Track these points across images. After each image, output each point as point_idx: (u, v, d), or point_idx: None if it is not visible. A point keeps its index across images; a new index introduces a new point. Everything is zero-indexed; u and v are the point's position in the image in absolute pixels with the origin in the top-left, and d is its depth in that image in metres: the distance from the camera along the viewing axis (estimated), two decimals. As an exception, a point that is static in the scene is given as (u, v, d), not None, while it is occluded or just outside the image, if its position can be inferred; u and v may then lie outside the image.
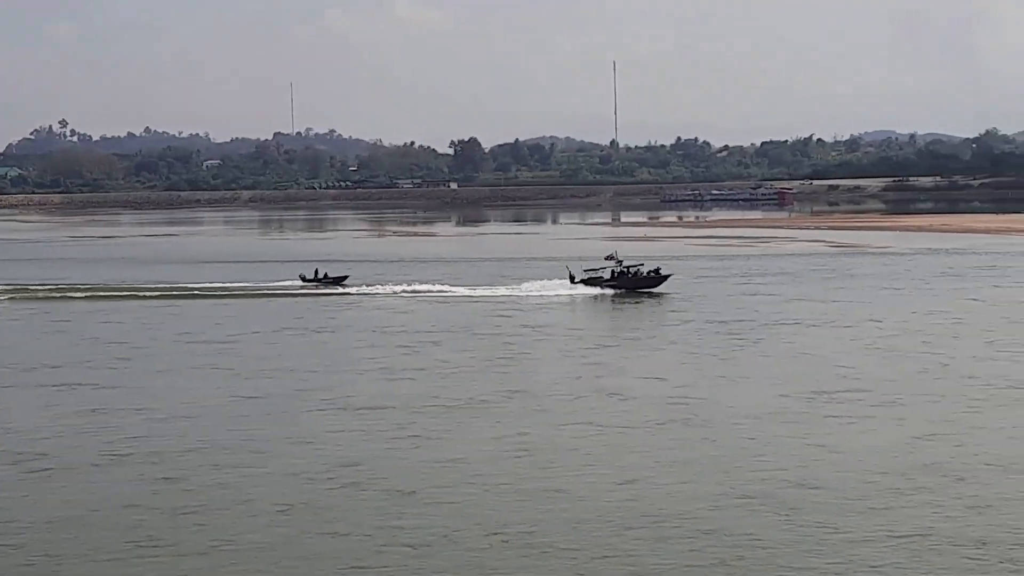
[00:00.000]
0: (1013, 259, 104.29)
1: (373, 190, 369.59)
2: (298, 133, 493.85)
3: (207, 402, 46.05)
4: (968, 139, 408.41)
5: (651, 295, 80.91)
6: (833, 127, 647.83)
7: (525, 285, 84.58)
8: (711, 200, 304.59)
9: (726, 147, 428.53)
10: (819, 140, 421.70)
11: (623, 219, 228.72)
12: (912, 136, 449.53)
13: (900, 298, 77.18)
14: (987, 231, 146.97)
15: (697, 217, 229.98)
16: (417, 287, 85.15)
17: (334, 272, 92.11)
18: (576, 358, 55.15)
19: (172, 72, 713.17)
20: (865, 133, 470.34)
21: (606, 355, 56.41)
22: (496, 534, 29.75)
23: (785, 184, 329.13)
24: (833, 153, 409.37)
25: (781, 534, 29.21)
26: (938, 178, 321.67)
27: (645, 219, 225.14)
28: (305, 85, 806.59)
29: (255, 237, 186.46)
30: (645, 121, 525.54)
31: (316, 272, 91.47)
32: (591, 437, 39.39)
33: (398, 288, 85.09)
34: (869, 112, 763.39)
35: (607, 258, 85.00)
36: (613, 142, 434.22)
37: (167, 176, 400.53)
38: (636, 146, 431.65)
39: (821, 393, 45.65)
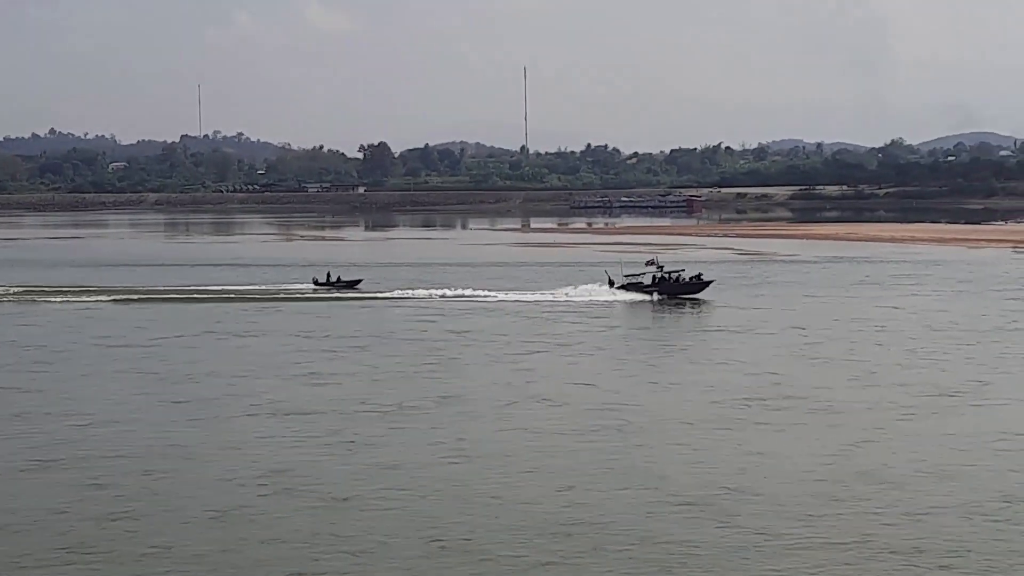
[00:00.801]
0: (928, 268, 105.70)
1: (281, 194, 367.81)
2: (205, 136, 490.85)
3: (133, 407, 45.38)
4: (874, 149, 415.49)
5: (692, 301, 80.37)
6: (741, 135, 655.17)
7: (564, 290, 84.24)
8: (620, 207, 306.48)
9: (636, 154, 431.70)
10: (727, 148, 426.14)
11: (533, 225, 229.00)
12: (819, 145, 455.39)
13: (821, 306, 77.92)
14: (892, 240, 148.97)
15: (606, 223, 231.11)
16: (455, 292, 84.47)
17: (347, 275, 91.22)
18: (507, 363, 54.88)
19: (78, 73, 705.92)
20: (773, 142, 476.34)
21: (539, 361, 56.10)
22: (435, 541, 29.54)
23: (694, 191, 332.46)
24: (741, 161, 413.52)
25: (720, 541, 29.27)
26: (844, 187, 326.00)
27: (555, 225, 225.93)
28: (213, 87, 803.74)
29: (161, 240, 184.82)
30: (555, 127, 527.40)
31: (328, 275, 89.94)
32: (527, 443, 39.26)
33: (436, 292, 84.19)
34: (777, 121, 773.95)
35: (647, 263, 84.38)
36: (523, 148, 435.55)
37: (72, 178, 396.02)
38: (546, 152, 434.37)
39: (753, 400, 45.86)
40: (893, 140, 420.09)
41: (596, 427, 41.53)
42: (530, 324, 69.37)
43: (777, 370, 52.55)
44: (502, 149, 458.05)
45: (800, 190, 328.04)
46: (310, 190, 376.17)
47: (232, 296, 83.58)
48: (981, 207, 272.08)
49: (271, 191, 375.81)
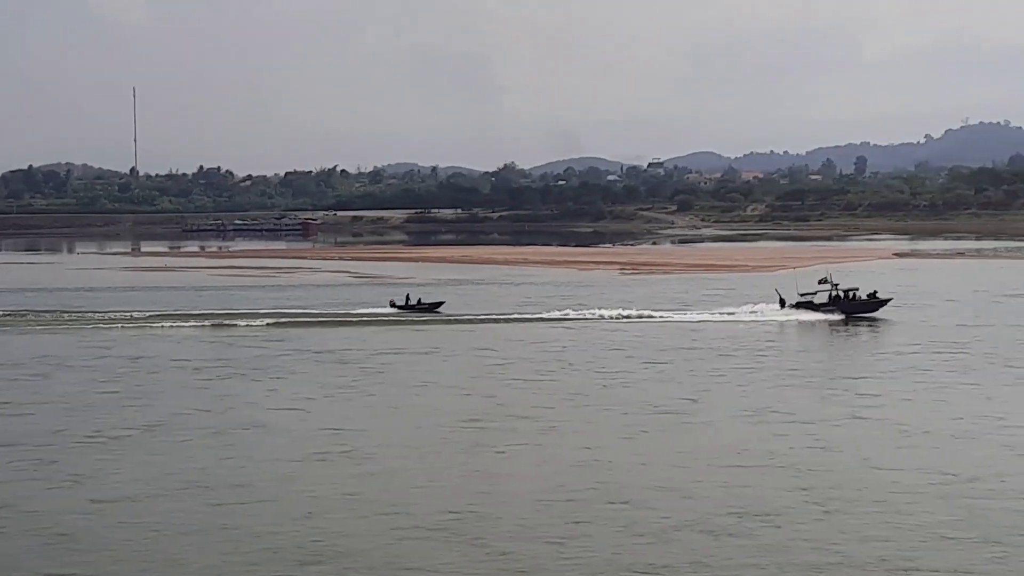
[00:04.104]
0: (574, 289, 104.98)
1: None
2: None
3: None
4: (487, 173, 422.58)
5: (869, 320, 77.95)
6: (357, 159, 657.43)
7: (733, 309, 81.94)
8: (234, 230, 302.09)
9: (250, 177, 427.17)
10: (343, 171, 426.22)
11: (144, 249, 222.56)
12: (434, 169, 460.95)
13: (497, 327, 76.17)
14: (506, 262, 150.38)
15: (220, 247, 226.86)
16: (624, 312, 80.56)
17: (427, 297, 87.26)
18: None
19: None
20: (388, 165, 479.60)
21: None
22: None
23: (309, 215, 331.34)
24: (357, 184, 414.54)
25: (468, 566, 28.27)
26: (459, 210, 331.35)
27: (167, 249, 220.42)
28: None
29: None
30: (167, 149, 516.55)
31: (407, 298, 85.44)
32: (253, 470, 37.27)
33: (610, 313, 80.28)
34: (392, 145, 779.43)
35: (820, 281, 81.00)
36: (133, 170, 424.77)
37: None
38: (157, 175, 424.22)
39: (473, 421, 44.70)
40: (506, 164, 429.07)
41: (323, 453, 39.43)
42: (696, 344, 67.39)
43: (484, 392, 51.34)
44: (111, 171, 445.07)
45: (416, 213, 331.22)
46: None
47: (299, 320, 78.85)
48: (590, 230, 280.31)
49: None
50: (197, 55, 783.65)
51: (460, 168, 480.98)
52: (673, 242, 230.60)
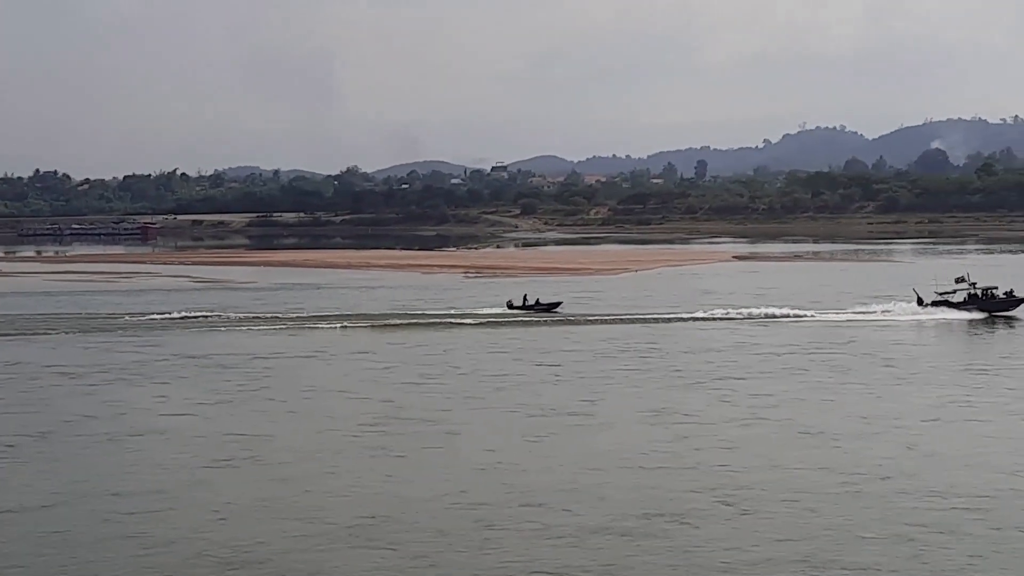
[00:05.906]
0: (441, 292, 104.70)
1: None
2: None
3: None
4: (330, 176, 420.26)
5: (1007, 319, 78.00)
6: (197, 162, 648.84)
7: (871, 307, 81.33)
8: (71, 234, 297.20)
9: (88, 180, 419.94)
10: (183, 175, 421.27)
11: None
12: (276, 172, 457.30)
13: (359, 332, 74.94)
14: (349, 266, 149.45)
15: (57, 252, 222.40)
16: (765, 311, 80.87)
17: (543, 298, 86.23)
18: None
19: None
20: (229, 168, 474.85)
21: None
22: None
23: (148, 219, 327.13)
24: (197, 188, 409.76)
25: (383, 570, 28.10)
26: (302, 214, 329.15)
27: (2, 253, 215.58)
28: None
29: None
30: (1, 152, 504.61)
31: (524, 298, 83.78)
32: (161, 477, 36.48)
33: (754, 311, 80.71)
34: (233, 148, 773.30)
35: (958, 280, 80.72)
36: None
37: None
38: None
39: (373, 425, 44.06)
40: (348, 168, 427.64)
41: (228, 458, 38.98)
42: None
43: (379, 396, 50.57)
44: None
45: (257, 217, 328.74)
46: None
47: (429, 321, 77.97)
48: (434, 234, 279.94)
49: None
50: (34, 57, 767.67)
51: (302, 171, 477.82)
52: (517, 245, 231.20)
